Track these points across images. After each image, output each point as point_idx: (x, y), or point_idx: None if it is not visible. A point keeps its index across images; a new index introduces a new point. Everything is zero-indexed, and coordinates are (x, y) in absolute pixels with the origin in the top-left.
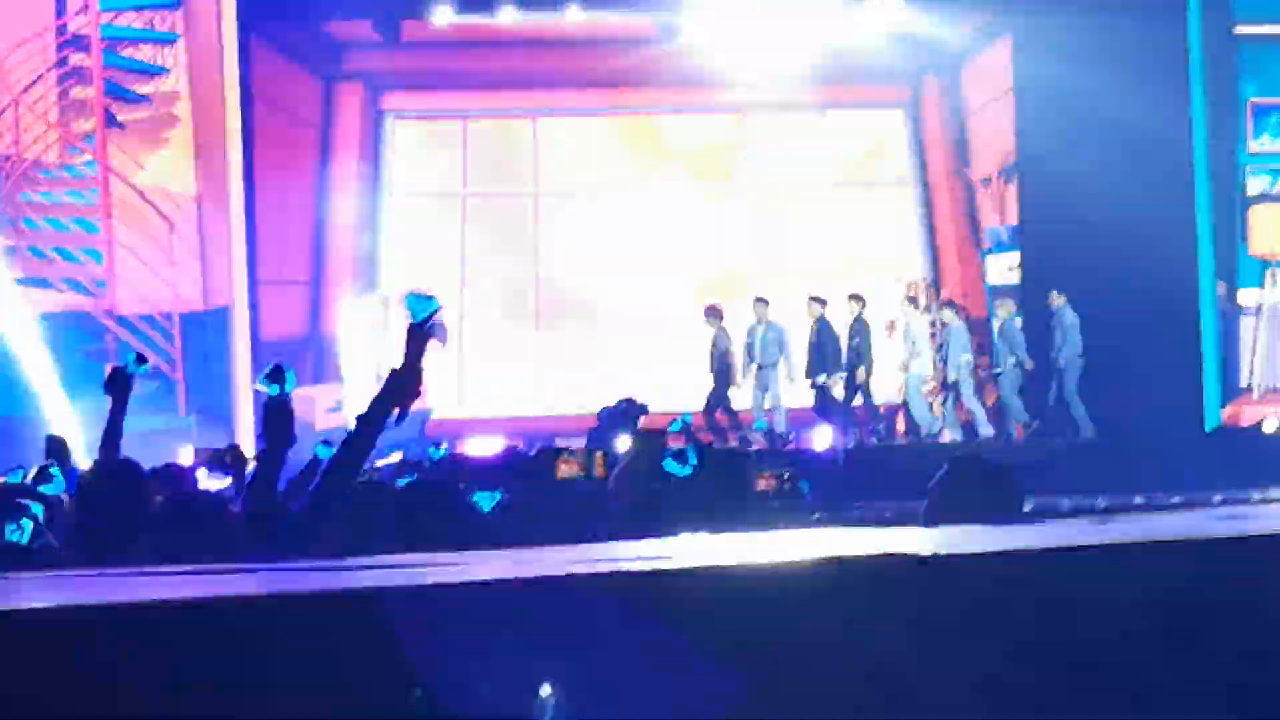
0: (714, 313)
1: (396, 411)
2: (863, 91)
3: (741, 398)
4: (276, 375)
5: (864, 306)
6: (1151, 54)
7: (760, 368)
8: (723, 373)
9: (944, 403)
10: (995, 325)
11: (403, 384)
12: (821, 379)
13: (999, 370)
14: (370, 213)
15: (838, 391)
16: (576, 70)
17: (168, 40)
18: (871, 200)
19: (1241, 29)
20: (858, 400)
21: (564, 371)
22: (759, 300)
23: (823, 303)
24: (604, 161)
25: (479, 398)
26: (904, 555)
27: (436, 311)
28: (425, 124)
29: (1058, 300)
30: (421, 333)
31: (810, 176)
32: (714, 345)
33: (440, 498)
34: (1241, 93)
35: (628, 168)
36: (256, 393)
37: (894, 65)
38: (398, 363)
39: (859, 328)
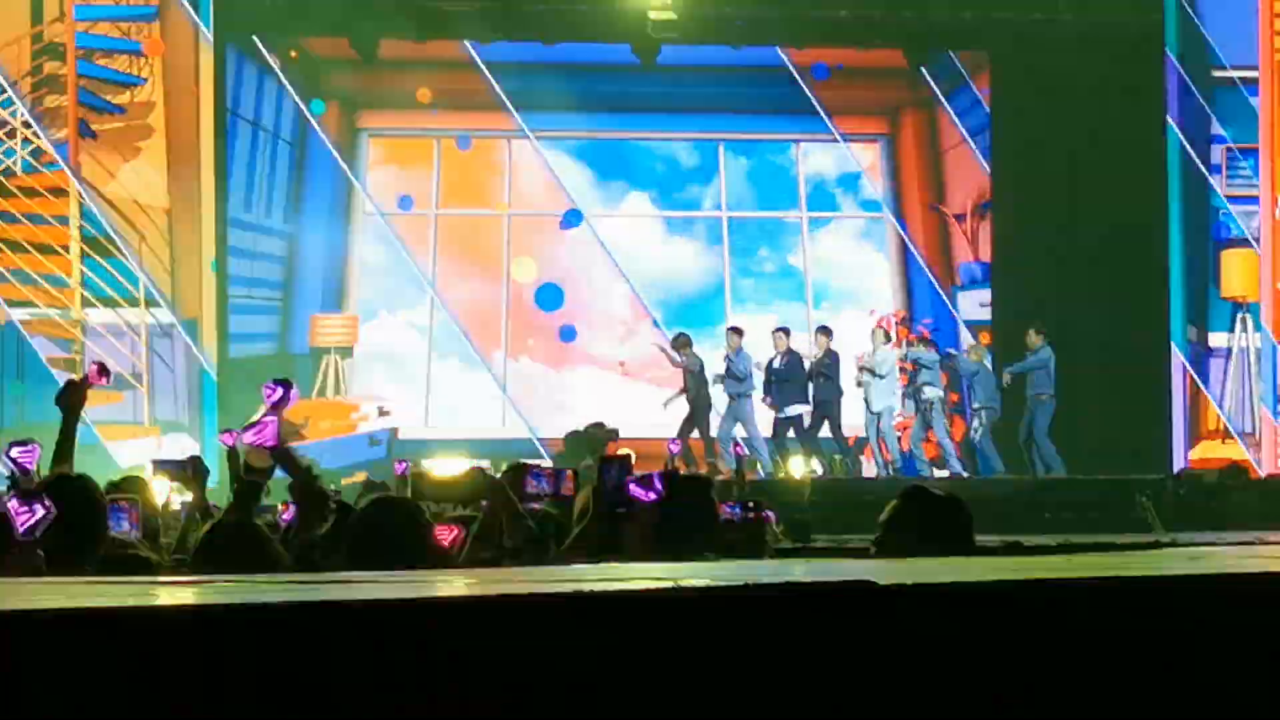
0: (683, 340)
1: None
2: (840, 124)
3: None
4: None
5: (831, 339)
6: (1127, 96)
7: (733, 397)
8: (697, 400)
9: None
10: (970, 364)
11: (313, 495)
12: (793, 410)
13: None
14: (342, 230)
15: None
16: (551, 93)
17: (144, 51)
18: (846, 234)
19: (1217, 73)
20: (825, 432)
21: (533, 394)
22: (733, 329)
23: (829, 333)
24: (577, 185)
25: (446, 418)
26: (856, 584)
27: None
28: (399, 142)
29: (1036, 339)
30: (281, 451)
31: (785, 208)
32: (688, 372)
33: (402, 517)
34: (1216, 136)
35: (601, 192)
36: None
37: (871, 99)
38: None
39: (829, 361)
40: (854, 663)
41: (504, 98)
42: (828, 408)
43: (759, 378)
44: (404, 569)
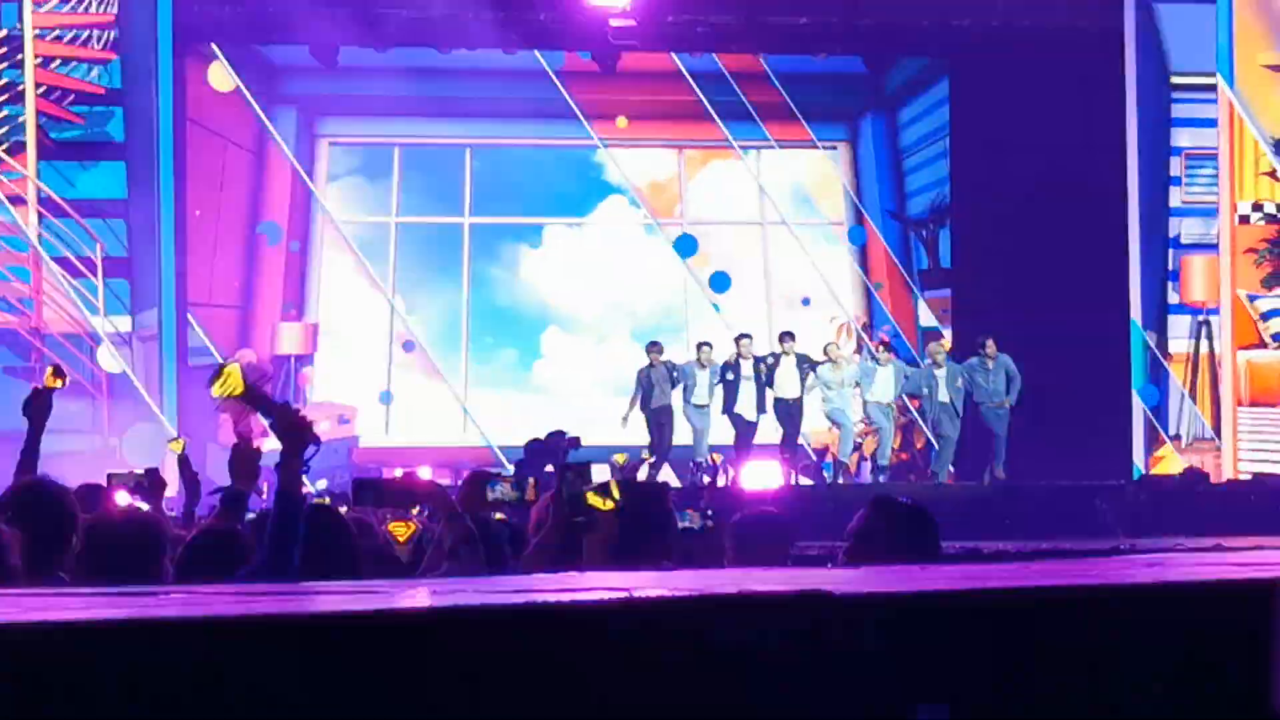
0: (657, 348)
1: (311, 449)
2: (801, 131)
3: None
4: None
5: (794, 344)
6: (1087, 102)
7: (698, 407)
8: (664, 410)
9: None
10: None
11: (291, 427)
12: (752, 416)
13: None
14: (302, 237)
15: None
16: (512, 100)
17: (102, 59)
18: (806, 239)
19: (1177, 79)
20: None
21: (494, 402)
22: (704, 344)
23: (792, 338)
24: (539, 192)
25: (407, 427)
26: (811, 594)
27: (228, 374)
28: (359, 150)
29: (993, 349)
30: (252, 390)
31: (746, 214)
32: (661, 381)
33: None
34: (1176, 141)
35: (563, 199)
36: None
37: (832, 106)
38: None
39: (803, 363)
40: (808, 673)
41: (464, 105)
42: (793, 414)
43: (707, 381)
44: (340, 577)
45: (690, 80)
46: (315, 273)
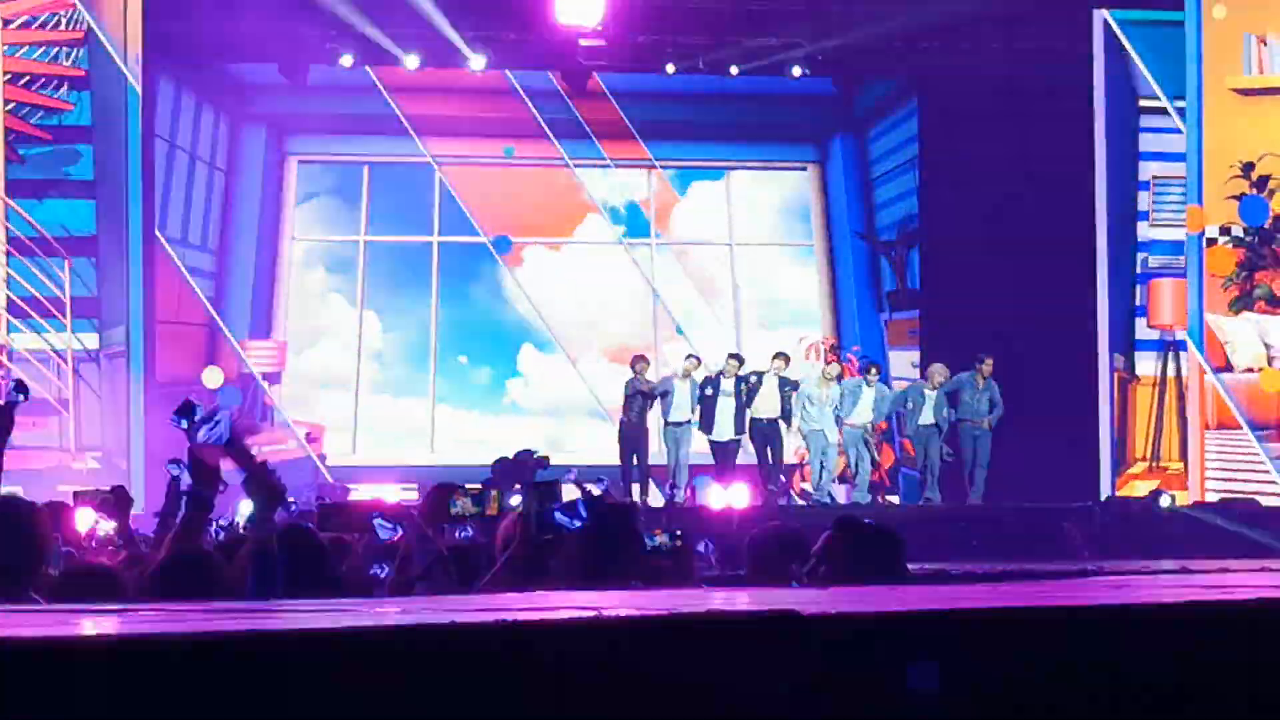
0: (643, 361)
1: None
2: (771, 151)
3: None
4: (185, 410)
5: (788, 364)
6: (1056, 124)
7: (677, 424)
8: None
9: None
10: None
11: (264, 487)
12: (729, 436)
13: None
14: (270, 255)
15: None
16: (482, 119)
17: (72, 76)
18: (776, 260)
19: (1145, 102)
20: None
21: (462, 421)
22: (691, 356)
23: (786, 359)
24: (508, 210)
25: (374, 445)
26: (779, 613)
27: (226, 423)
28: (328, 168)
29: (989, 369)
30: (236, 443)
31: (716, 234)
32: (649, 396)
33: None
34: (1144, 165)
35: (533, 217)
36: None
37: (803, 127)
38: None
39: (785, 385)
40: (776, 691)
41: (433, 124)
42: (769, 435)
43: (688, 395)
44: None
45: (658, 100)
46: (284, 291)
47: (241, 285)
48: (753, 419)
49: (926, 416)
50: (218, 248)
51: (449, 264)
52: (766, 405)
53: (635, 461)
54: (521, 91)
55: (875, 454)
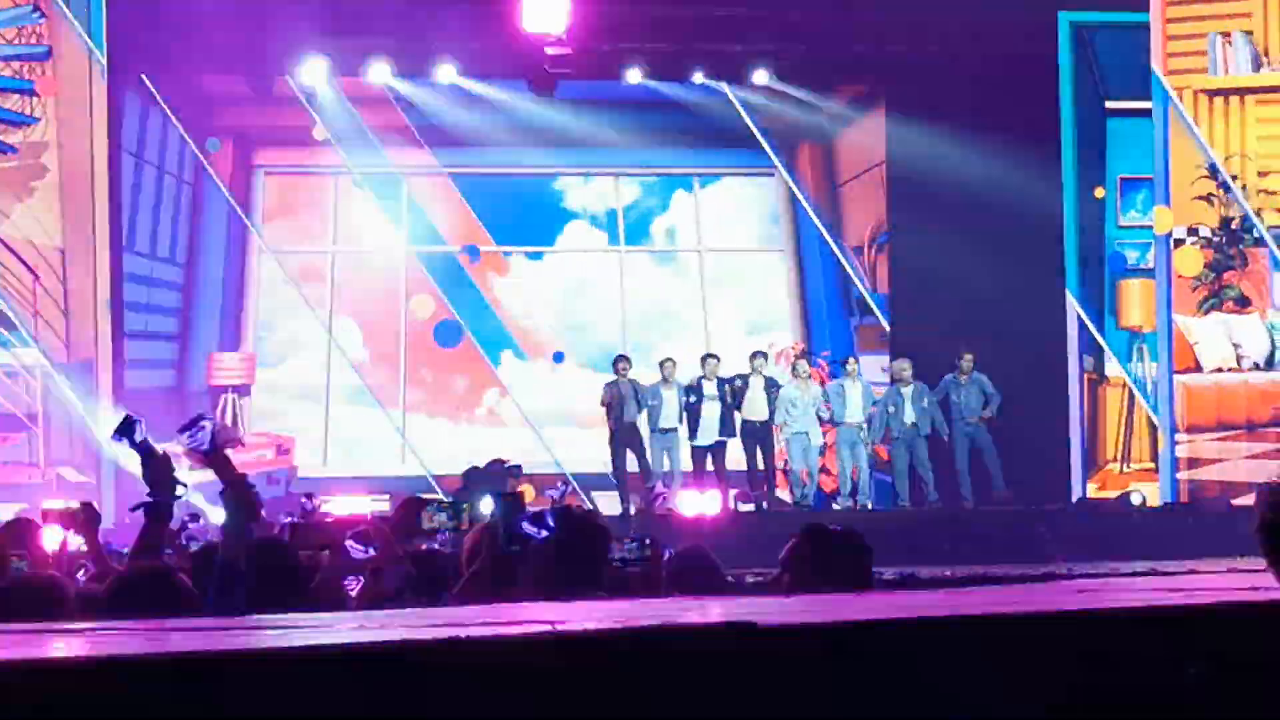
0: (625, 362)
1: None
2: (739, 157)
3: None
4: (125, 427)
5: (766, 364)
6: (1023, 127)
7: (664, 431)
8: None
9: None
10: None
11: (242, 500)
12: (719, 439)
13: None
14: (238, 268)
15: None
16: (450, 128)
17: (36, 90)
18: (744, 266)
19: (1112, 104)
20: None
21: (434, 432)
22: (666, 361)
23: (764, 357)
24: (477, 220)
25: (345, 457)
26: (736, 625)
27: (208, 432)
28: (295, 179)
29: (969, 364)
30: (218, 453)
31: (683, 240)
32: (628, 398)
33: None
34: (1111, 167)
35: (502, 228)
36: (133, 447)
37: (770, 132)
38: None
39: (770, 386)
40: (730, 704)
41: (401, 133)
42: (761, 437)
43: (675, 402)
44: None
45: (625, 107)
46: (253, 303)
47: (210, 298)
48: (744, 421)
49: (909, 415)
50: (186, 261)
51: (414, 273)
52: (755, 407)
53: (623, 465)
54: (484, 99)
55: (869, 453)
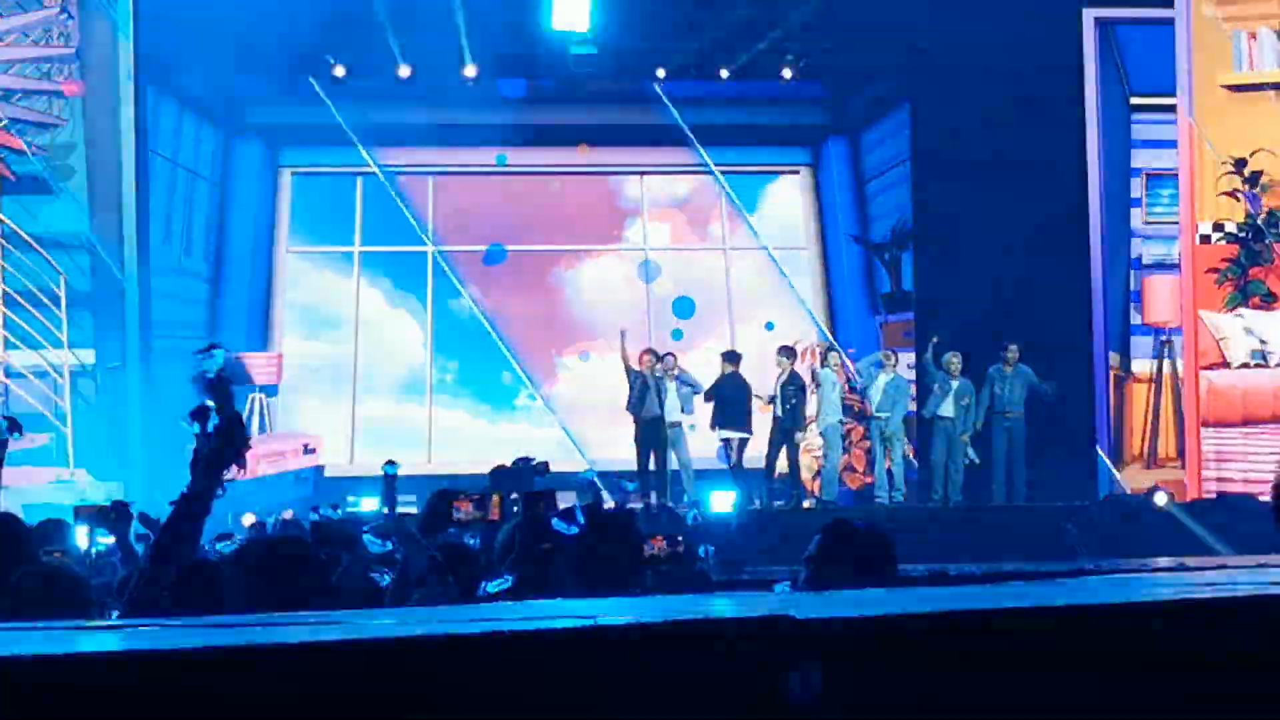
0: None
1: (235, 470)
2: (763, 154)
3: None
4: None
5: (794, 361)
6: (1048, 124)
7: (671, 425)
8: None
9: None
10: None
11: (229, 435)
12: (734, 434)
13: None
14: (266, 267)
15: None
16: (473, 128)
17: (64, 93)
18: (767, 263)
19: (1137, 100)
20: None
21: (460, 430)
22: (668, 354)
23: (792, 354)
24: (502, 219)
25: (372, 456)
26: (773, 619)
27: (219, 359)
28: (322, 179)
29: (1015, 355)
30: (220, 382)
31: (709, 238)
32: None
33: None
34: (1136, 163)
35: (526, 227)
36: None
37: (796, 129)
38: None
39: (794, 383)
40: (771, 697)
41: (425, 133)
42: (789, 433)
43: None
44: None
45: (650, 104)
46: (279, 303)
47: (237, 298)
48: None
49: (946, 408)
50: (214, 259)
51: (441, 273)
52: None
53: (653, 463)
54: (508, 99)
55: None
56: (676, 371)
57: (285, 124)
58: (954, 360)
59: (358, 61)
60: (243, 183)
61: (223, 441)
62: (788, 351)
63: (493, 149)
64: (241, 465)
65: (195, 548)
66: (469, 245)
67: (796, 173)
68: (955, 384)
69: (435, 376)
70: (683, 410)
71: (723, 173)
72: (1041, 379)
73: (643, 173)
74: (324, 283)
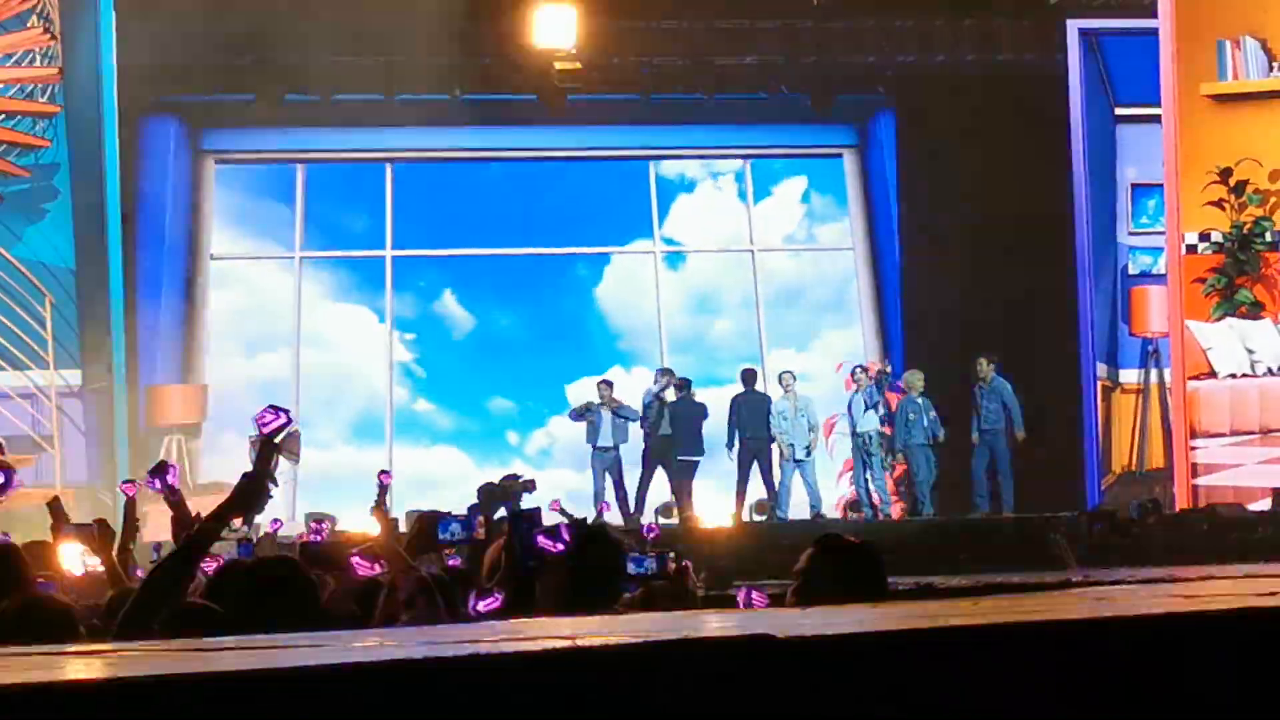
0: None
1: (239, 521)
2: (757, 166)
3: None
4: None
5: (795, 382)
6: (1033, 135)
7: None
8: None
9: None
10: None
11: (251, 492)
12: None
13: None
14: (188, 279)
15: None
16: (445, 104)
17: (47, 113)
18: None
19: (1121, 110)
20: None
21: (417, 463)
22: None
23: (793, 377)
24: (473, 216)
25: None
26: (754, 637)
27: (287, 426)
28: (253, 169)
29: (985, 369)
30: (273, 445)
31: (732, 237)
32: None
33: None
34: (1121, 173)
35: (507, 222)
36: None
37: (781, 143)
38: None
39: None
40: (752, 717)
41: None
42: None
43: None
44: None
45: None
46: (203, 324)
47: (149, 315)
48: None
49: (916, 429)
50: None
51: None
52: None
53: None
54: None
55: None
56: (615, 406)
57: (266, 140)
58: (916, 378)
59: (341, 78)
60: (154, 170)
61: (240, 499)
62: (788, 374)
63: (463, 130)
64: (248, 521)
65: (185, 593)
66: (436, 250)
67: (839, 156)
68: (921, 401)
69: (397, 396)
70: (617, 439)
71: (747, 156)
72: (1020, 397)
73: (653, 157)
74: (257, 294)
